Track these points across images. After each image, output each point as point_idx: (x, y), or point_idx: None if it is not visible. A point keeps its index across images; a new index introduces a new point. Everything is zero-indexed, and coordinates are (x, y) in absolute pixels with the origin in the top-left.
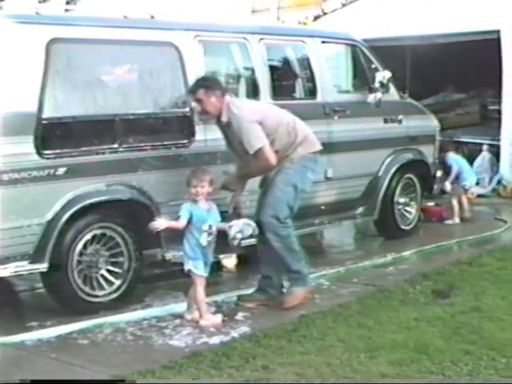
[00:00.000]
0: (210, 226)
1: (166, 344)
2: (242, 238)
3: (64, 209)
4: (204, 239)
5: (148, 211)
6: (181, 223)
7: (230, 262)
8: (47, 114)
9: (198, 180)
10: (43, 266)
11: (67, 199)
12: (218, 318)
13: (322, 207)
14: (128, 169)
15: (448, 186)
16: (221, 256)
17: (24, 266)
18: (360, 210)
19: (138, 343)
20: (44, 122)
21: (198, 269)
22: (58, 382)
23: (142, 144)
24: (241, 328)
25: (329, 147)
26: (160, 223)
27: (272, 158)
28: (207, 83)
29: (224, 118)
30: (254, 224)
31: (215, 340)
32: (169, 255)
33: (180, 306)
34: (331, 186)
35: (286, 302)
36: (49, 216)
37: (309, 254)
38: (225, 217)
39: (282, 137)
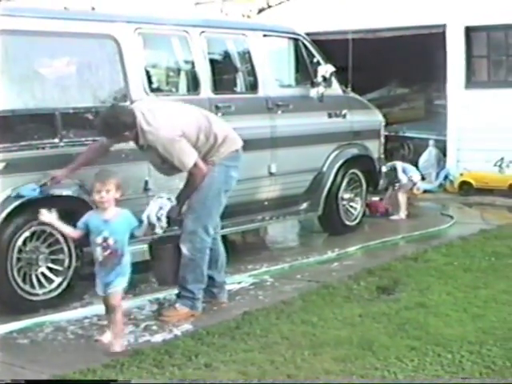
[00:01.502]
0: (105, 239)
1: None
2: (168, 218)
3: (2, 205)
4: (99, 254)
5: (89, 207)
6: (73, 233)
7: None
8: None
9: (102, 184)
10: None
11: (6, 195)
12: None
13: (266, 203)
14: (69, 164)
15: (403, 177)
16: None
17: None
18: (304, 205)
19: (80, 342)
20: None
21: (96, 286)
22: (54, 382)
23: (82, 139)
24: (183, 326)
25: (272, 142)
26: (46, 216)
27: (204, 167)
28: (110, 131)
29: (142, 142)
30: (172, 199)
31: (158, 338)
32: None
33: (122, 303)
34: (275, 182)
35: (165, 316)
36: None
37: (252, 250)
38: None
39: (202, 143)
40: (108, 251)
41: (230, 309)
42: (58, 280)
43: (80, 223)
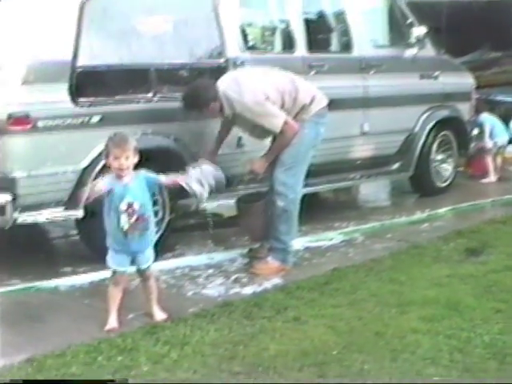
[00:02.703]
0: (130, 205)
1: (199, 293)
2: (211, 190)
3: (99, 156)
4: (124, 221)
5: (182, 161)
6: (101, 186)
7: None
8: (82, 62)
9: (121, 149)
10: (78, 213)
11: (102, 147)
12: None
13: (358, 162)
14: (162, 118)
15: (489, 142)
16: None
17: (59, 213)
18: (396, 166)
19: (171, 291)
20: (78, 70)
21: (115, 262)
22: (54, 382)
23: (176, 94)
24: (273, 279)
25: (365, 102)
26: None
27: (295, 125)
28: (195, 105)
29: (228, 111)
30: (213, 171)
31: (248, 290)
32: (203, 205)
33: (214, 256)
34: (367, 141)
35: (256, 269)
36: (84, 163)
37: (344, 208)
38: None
39: (290, 106)
40: (134, 217)
41: (319, 265)
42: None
43: (105, 181)
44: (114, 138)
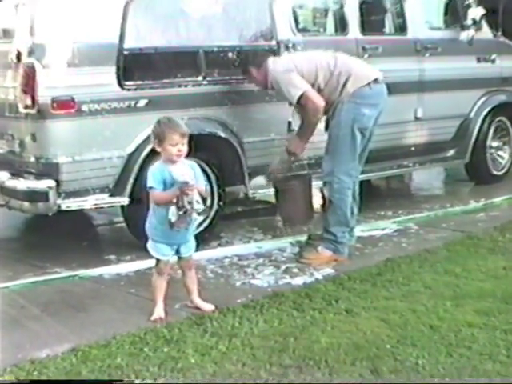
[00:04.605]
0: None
1: (248, 283)
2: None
3: (145, 142)
4: (173, 214)
5: (231, 147)
6: (162, 197)
7: (315, 201)
8: (128, 44)
9: (182, 136)
10: (123, 200)
11: (149, 132)
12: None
13: (412, 148)
14: (212, 103)
15: None
16: None
17: (104, 199)
18: (451, 152)
19: (219, 281)
20: (125, 52)
21: (159, 252)
22: (58, 382)
23: (226, 78)
24: (325, 270)
25: (419, 86)
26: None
27: (317, 99)
28: (243, 63)
29: (269, 85)
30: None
31: (298, 281)
32: (251, 193)
33: (262, 245)
34: (421, 127)
35: (306, 259)
36: (130, 149)
37: (397, 196)
38: None
39: (324, 82)
40: (183, 210)
41: (372, 255)
42: (199, 218)
43: (157, 183)
44: (169, 123)
